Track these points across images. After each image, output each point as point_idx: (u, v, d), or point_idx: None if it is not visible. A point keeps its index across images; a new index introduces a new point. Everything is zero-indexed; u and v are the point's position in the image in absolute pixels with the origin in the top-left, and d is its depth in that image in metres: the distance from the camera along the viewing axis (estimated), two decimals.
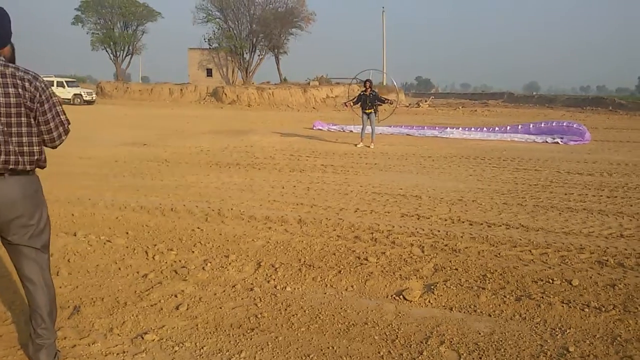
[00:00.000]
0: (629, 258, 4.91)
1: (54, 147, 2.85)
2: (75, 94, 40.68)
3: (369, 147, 14.44)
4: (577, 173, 10.04)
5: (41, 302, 2.86)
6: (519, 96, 68.16)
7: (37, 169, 2.85)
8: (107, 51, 59.10)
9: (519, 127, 18.45)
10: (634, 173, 10.06)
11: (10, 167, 2.62)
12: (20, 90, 2.60)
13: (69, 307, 3.73)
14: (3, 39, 2.69)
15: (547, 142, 15.96)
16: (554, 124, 17.94)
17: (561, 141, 15.76)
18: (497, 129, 18.78)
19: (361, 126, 15.32)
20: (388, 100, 15.76)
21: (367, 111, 14.92)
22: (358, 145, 14.64)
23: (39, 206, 2.81)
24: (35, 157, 2.72)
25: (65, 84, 41.21)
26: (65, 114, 2.83)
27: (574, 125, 17.15)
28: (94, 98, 42.56)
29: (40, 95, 2.66)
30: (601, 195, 7.86)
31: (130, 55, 61.21)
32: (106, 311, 3.70)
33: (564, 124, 17.67)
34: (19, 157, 2.64)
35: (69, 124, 2.85)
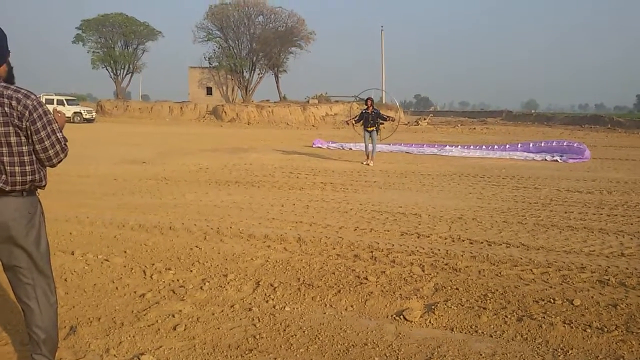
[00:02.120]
0: (631, 277, 4.87)
1: (53, 166, 2.78)
2: (75, 112, 40.76)
3: (368, 165, 14.45)
4: (577, 191, 10.02)
5: (36, 328, 2.80)
6: (517, 114, 68.50)
7: (38, 190, 2.81)
8: (107, 69, 59.43)
9: (519, 145, 18.48)
10: (633, 191, 10.05)
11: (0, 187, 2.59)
12: (7, 109, 2.55)
13: (65, 327, 3.69)
14: None
15: (546, 160, 15.97)
16: (554, 143, 17.95)
17: (560, 159, 15.76)
18: (496, 147, 18.80)
19: (364, 145, 15.35)
20: (390, 117, 15.84)
21: (369, 129, 14.99)
22: (369, 164, 14.51)
23: (34, 229, 2.74)
24: (29, 178, 2.65)
25: (65, 102, 41.31)
26: (61, 132, 2.76)
27: (575, 145, 17.16)
28: (93, 116, 42.67)
29: (30, 114, 2.59)
30: (601, 214, 7.83)
31: (130, 74, 61.55)
32: (103, 331, 3.66)
33: (564, 143, 17.67)
34: (9, 178, 2.60)
35: (65, 141, 2.78)
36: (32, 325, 2.81)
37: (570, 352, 3.41)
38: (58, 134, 2.72)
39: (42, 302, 2.81)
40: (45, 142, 2.65)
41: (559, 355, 3.37)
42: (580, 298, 4.31)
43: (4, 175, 2.59)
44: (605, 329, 3.74)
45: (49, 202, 3.13)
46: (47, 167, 2.80)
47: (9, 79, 2.73)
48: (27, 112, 2.59)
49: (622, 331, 3.71)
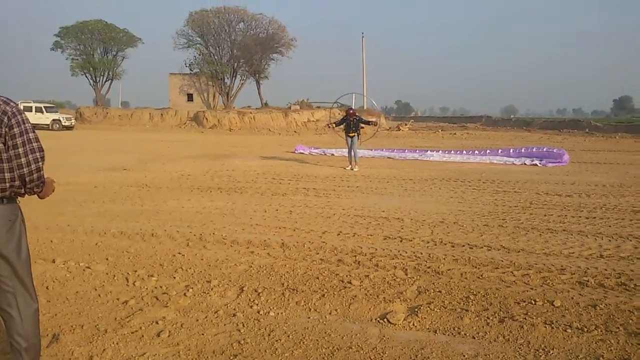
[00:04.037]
0: (609, 278, 4.96)
1: (23, 176, 2.66)
2: (54, 120, 40.29)
3: (352, 170, 14.55)
4: (556, 194, 10.17)
5: (18, 336, 2.76)
6: (497, 119, 69.21)
7: (18, 198, 2.78)
8: (86, 77, 58.75)
9: (499, 151, 18.67)
10: (611, 194, 10.22)
11: None
12: None
13: (47, 335, 3.65)
14: None
15: (525, 164, 16.16)
16: (534, 149, 18.16)
17: (540, 163, 15.96)
18: (476, 152, 18.98)
19: (346, 150, 15.52)
20: (372, 122, 16.05)
21: (350, 134, 15.17)
22: (353, 169, 14.64)
23: (15, 236, 2.71)
24: (8, 185, 2.62)
25: (43, 109, 40.79)
26: (38, 141, 2.70)
27: (554, 150, 17.38)
28: (73, 123, 42.19)
29: (9, 120, 2.58)
30: (580, 216, 7.96)
31: (110, 81, 60.92)
32: (86, 339, 3.63)
33: (544, 149, 17.89)
34: None
35: (42, 151, 2.72)
36: (14, 334, 2.77)
37: (551, 352, 3.47)
38: (34, 144, 2.68)
39: (23, 310, 2.77)
40: (20, 149, 2.62)
41: (541, 356, 3.42)
42: (560, 299, 4.38)
43: None
44: (585, 329, 3.80)
45: (29, 210, 3.10)
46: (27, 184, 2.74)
47: None
48: (6, 118, 2.57)
49: (601, 331, 3.78)
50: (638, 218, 7.85)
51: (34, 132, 2.70)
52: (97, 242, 6.27)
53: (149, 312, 4.13)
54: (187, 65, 55.71)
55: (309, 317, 4.08)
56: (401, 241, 6.44)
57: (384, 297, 4.48)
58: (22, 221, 2.80)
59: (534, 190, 10.77)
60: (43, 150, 2.74)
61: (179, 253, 5.82)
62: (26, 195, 2.79)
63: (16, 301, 2.75)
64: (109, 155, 18.82)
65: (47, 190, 2.84)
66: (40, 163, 2.72)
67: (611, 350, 3.51)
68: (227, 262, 5.49)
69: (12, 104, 2.63)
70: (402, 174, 13.66)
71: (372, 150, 20.17)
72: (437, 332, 3.81)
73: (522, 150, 18.19)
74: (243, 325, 3.89)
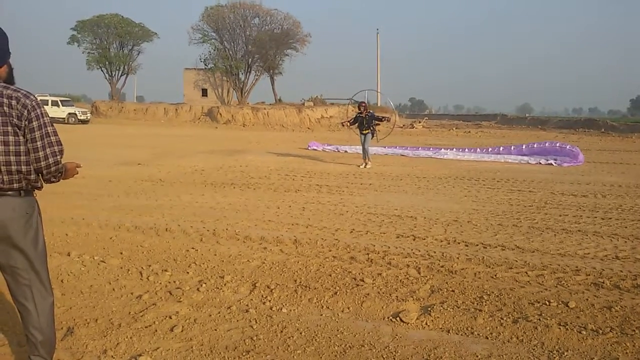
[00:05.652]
0: (625, 280, 4.90)
1: (40, 169, 2.69)
2: (69, 113, 40.69)
3: (365, 167, 14.52)
4: (571, 194, 10.07)
5: (33, 329, 2.79)
6: (512, 118, 68.56)
7: (35, 192, 2.81)
8: (102, 71, 59.07)
9: (512, 148, 18.54)
10: (627, 195, 10.11)
11: None
12: (6, 108, 2.56)
13: (62, 328, 3.69)
14: None
15: (540, 163, 16.03)
16: (546, 145, 18.02)
17: (555, 162, 15.82)
18: (490, 149, 18.85)
19: (361, 147, 15.48)
20: (385, 117, 15.97)
21: (364, 132, 15.09)
22: (366, 167, 14.60)
23: (32, 229, 2.73)
24: (25, 177, 2.65)
25: (59, 103, 41.22)
26: (56, 135, 2.73)
27: (567, 147, 17.22)
28: (88, 117, 42.56)
29: (28, 113, 2.60)
30: (595, 217, 7.88)
31: (125, 75, 61.18)
32: (100, 333, 3.66)
33: (557, 145, 17.75)
34: (5, 176, 2.60)
35: (60, 145, 2.74)
36: (29, 327, 2.80)
37: (565, 353, 3.44)
38: (52, 137, 2.70)
39: (39, 303, 2.80)
40: (38, 143, 2.64)
41: (555, 357, 3.39)
42: (575, 300, 4.34)
43: (14, 175, 2.61)
44: (600, 331, 3.77)
45: (44, 204, 3.13)
46: (44, 180, 2.78)
47: (9, 80, 2.73)
48: (26, 111, 2.60)
49: (616, 333, 3.74)
50: None
51: (52, 126, 2.72)
52: (112, 236, 6.31)
53: (163, 307, 4.15)
54: (202, 60, 55.89)
55: (321, 315, 4.08)
56: (414, 239, 6.42)
57: (396, 296, 4.47)
58: (39, 214, 2.83)
59: (549, 189, 10.68)
60: (61, 145, 2.75)
61: (193, 248, 5.85)
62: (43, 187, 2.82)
63: (32, 294, 2.77)
64: (124, 149, 18.95)
65: (67, 175, 2.89)
66: (58, 157, 2.74)
67: (626, 353, 3.47)
68: (240, 258, 5.50)
69: (31, 97, 2.65)
70: (416, 172, 13.61)
71: (385, 147, 20.09)
72: (450, 331, 3.79)
73: (535, 146, 18.05)
74: (256, 322, 3.90)
